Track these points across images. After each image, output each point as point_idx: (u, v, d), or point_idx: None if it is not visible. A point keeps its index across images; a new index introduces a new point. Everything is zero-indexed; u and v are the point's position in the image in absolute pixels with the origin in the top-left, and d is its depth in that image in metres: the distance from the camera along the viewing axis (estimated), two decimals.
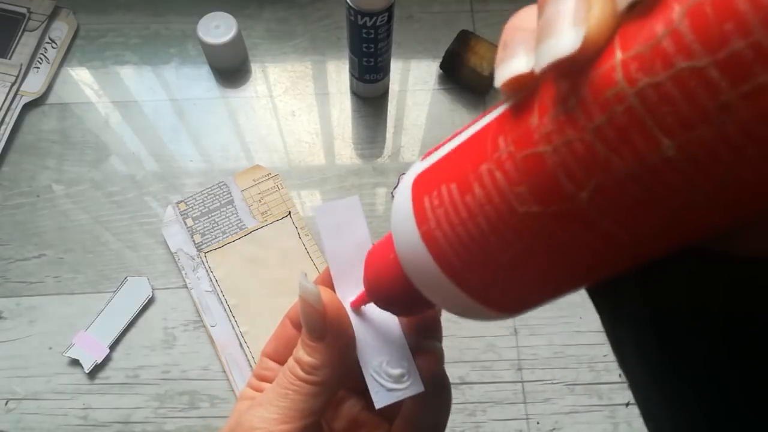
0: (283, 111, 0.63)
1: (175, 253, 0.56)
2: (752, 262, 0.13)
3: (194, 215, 0.58)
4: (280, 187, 0.59)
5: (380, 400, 0.23)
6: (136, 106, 0.63)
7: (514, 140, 0.13)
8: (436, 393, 0.25)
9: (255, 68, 0.65)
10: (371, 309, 0.24)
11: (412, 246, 0.16)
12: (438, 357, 0.25)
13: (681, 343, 0.15)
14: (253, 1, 0.68)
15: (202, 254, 0.56)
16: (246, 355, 0.53)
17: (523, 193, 0.13)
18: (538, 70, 0.12)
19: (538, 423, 0.52)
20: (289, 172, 0.60)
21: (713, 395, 0.15)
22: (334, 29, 0.67)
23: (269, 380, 0.25)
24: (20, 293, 0.56)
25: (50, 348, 0.54)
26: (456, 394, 0.53)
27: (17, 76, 0.63)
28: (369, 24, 0.52)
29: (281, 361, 0.26)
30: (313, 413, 0.22)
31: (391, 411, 0.25)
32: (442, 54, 0.62)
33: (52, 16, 0.66)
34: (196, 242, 0.56)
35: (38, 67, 0.64)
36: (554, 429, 0.52)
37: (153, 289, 0.56)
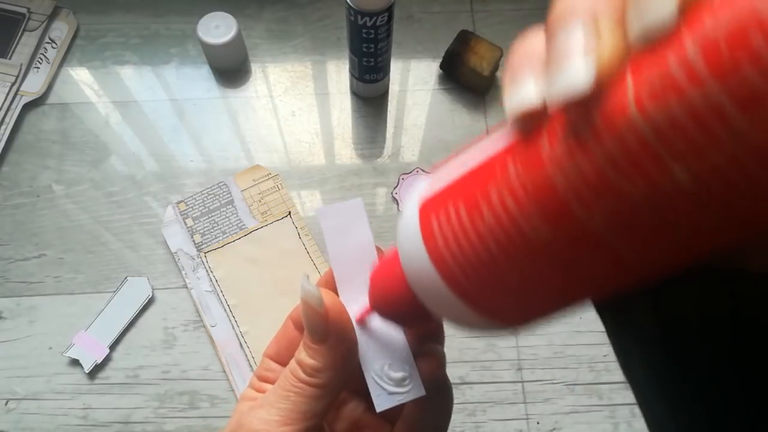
0: (283, 111, 0.63)
1: (175, 253, 0.56)
2: (762, 277, 0.13)
3: (194, 215, 0.58)
4: (280, 187, 0.59)
5: (381, 403, 0.23)
6: (136, 106, 0.63)
7: (524, 165, 0.13)
8: (438, 396, 0.25)
9: (255, 68, 0.65)
10: (374, 314, 0.24)
11: (420, 264, 0.16)
12: (440, 360, 0.25)
13: (689, 356, 0.15)
14: (253, 1, 0.67)
15: (202, 254, 0.56)
16: (246, 355, 0.53)
17: (534, 217, 0.13)
18: (550, 105, 0.12)
19: (538, 423, 0.52)
20: (289, 172, 0.60)
21: (720, 408, 0.15)
22: (334, 29, 0.67)
23: (271, 381, 0.25)
24: (20, 293, 0.56)
25: (50, 348, 0.54)
26: (456, 394, 0.53)
27: (17, 76, 0.63)
28: (369, 24, 0.52)
29: (283, 363, 0.26)
30: (315, 416, 0.22)
31: (392, 413, 0.25)
32: (442, 54, 0.62)
33: (52, 16, 0.65)
34: (196, 242, 0.56)
35: (38, 67, 0.64)
36: (554, 429, 0.52)
37: (153, 289, 0.56)
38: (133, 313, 0.55)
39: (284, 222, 0.57)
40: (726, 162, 0.10)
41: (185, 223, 0.57)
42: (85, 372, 0.53)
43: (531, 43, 0.14)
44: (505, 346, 0.54)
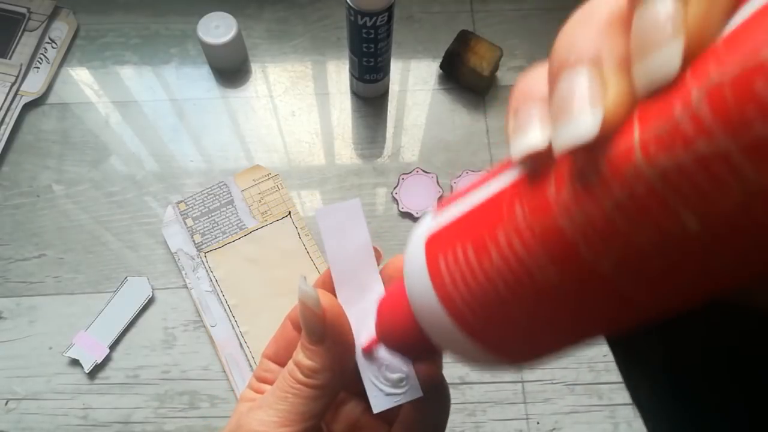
0: (283, 111, 0.63)
1: (175, 253, 0.56)
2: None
3: (194, 215, 0.58)
4: (280, 187, 0.59)
5: (378, 404, 0.23)
6: (136, 106, 0.63)
7: (531, 207, 0.13)
8: (435, 398, 0.25)
9: (255, 68, 0.65)
10: (380, 344, 0.24)
11: (428, 301, 0.16)
12: (436, 362, 0.25)
13: (697, 394, 0.15)
14: (253, 1, 0.67)
15: (202, 254, 0.56)
16: (246, 355, 0.53)
17: (542, 260, 0.13)
18: (556, 152, 0.12)
19: (538, 423, 0.52)
20: (289, 172, 0.60)
21: None
22: (334, 29, 0.67)
23: (269, 382, 0.25)
24: (20, 293, 0.56)
25: (50, 348, 0.54)
26: (456, 394, 0.53)
27: (17, 76, 0.63)
28: (369, 24, 0.52)
29: (282, 363, 0.26)
30: (313, 416, 0.22)
31: (390, 414, 0.25)
32: (442, 54, 0.62)
33: (52, 16, 0.66)
34: (196, 242, 0.56)
35: (38, 67, 0.64)
36: (554, 429, 0.52)
37: (153, 289, 0.56)
38: (133, 313, 0.55)
39: (284, 222, 0.57)
40: (734, 209, 0.10)
41: (185, 223, 0.57)
42: (85, 372, 0.53)
43: (534, 80, 0.14)
44: None
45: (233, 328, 0.54)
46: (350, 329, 0.23)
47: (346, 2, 0.51)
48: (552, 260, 0.13)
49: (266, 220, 0.57)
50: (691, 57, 0.10)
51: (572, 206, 0.12)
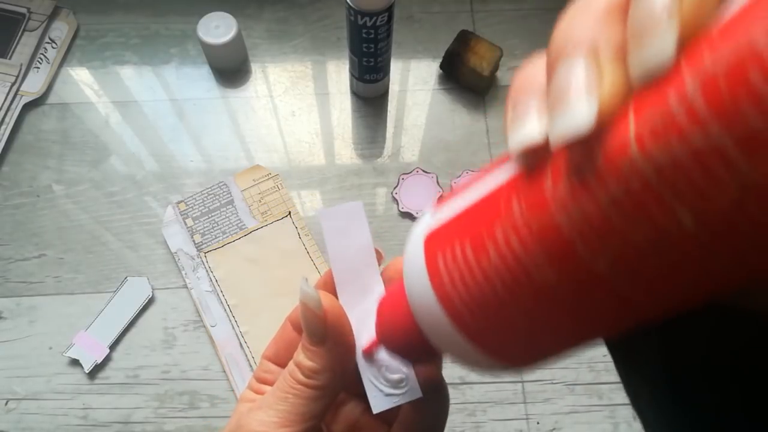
0: (283, 111, 0.63)
1: (175, 253, 0.56)
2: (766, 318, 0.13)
3: (194, 215, 0.58)
4: (280, 187, 0.59)
5: (377, 405, 0.23)
6: (136, 106, 0.63)
7: (528, 203, 0.13)
8: (434, 399, 0.25)
9: (255, 68, 0.65)
10: (380, 346, 0.24)
11: (426, 301, 0.16)
12: (436, 363, 0.25)
13: (696, 398, 0.15)
14: (253, 1, 0.67)
15: (202, 254, 0.56)
16: (246, 355, 0.53)
17: (539, 258, 0.13)
18: (552, 145, 0.12)
19: (538, 423, 0.52)
20: (289, 172, 0.60)
21: None
22: (334, 29, 0.67)
23: (270, 383, 0.26)
24: (20, 293, 0.56)
25: (50, 348, 0.54)
26: (456, 394, 0.53)
27: (17, 76, 0.63)
28: (369, 24, 0.52)
29: (282, 364, 0.26)
30: (313, 417, 0.22)
31: (390, 415, 0.25)
32: (442, 54, 0.62)
33: (52, 16, 0.66)
34: (196, 242, 0.56)
35: (38, 67, 0.64)
36: (554, 429, 0.52)
37: (153, 289, 0.56)
38: (133, 313, 0.55)
39: (284, 222, 0.57)
40: (729, 205, 0.10)
41: (185, 223, 0.57)
42: (85, 372, 0.53)
43: (532, 71, 0.14)
44: None
45: (233, 328, 0.54)
46: (351, 330, 0.23)
47: (346, 2, 0.51)
48: (549, 258, 0.13)
49: (266, 220, 0.57)
50: (687, 46, 0.10)
51: (569, 202, 0.12)
